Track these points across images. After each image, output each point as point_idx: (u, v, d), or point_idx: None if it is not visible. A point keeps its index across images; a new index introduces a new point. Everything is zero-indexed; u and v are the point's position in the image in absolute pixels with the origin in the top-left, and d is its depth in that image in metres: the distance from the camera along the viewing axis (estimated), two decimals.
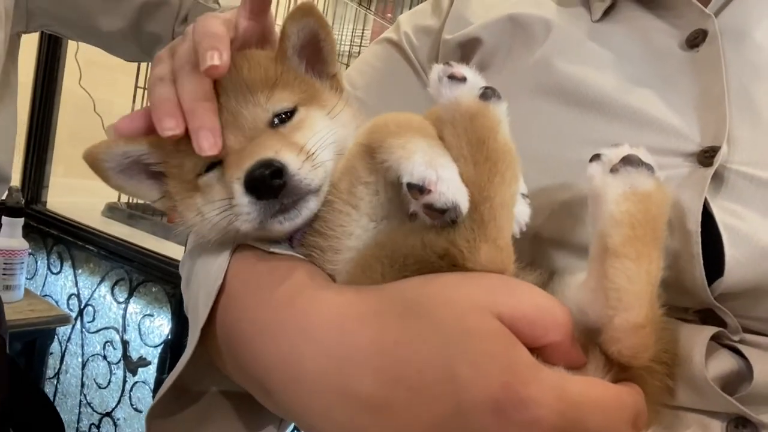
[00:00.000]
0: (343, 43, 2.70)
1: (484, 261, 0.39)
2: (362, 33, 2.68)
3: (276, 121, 0.49)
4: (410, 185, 0.38)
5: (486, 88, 0.42)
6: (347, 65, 2.56)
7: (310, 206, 0.45)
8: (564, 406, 0.34)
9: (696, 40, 0.52)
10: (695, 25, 0.53)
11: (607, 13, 0.58)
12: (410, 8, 2.57)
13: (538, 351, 0.38)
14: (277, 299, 0.43)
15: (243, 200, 0.44)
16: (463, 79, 0.42)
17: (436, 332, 0.36)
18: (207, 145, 0.47)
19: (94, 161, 0.52)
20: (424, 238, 0.40)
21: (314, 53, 0.55)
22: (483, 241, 0.39)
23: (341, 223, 0.44)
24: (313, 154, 0.46)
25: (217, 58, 0.48)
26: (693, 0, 0.53)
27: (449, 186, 0.38)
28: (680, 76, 0.52)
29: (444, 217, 0.38)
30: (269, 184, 0.43)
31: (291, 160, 0.44)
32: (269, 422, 0.55)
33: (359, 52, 2.64)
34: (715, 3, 0.53)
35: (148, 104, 0.53)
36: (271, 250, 0.47)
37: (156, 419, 0.49)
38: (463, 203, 0.38)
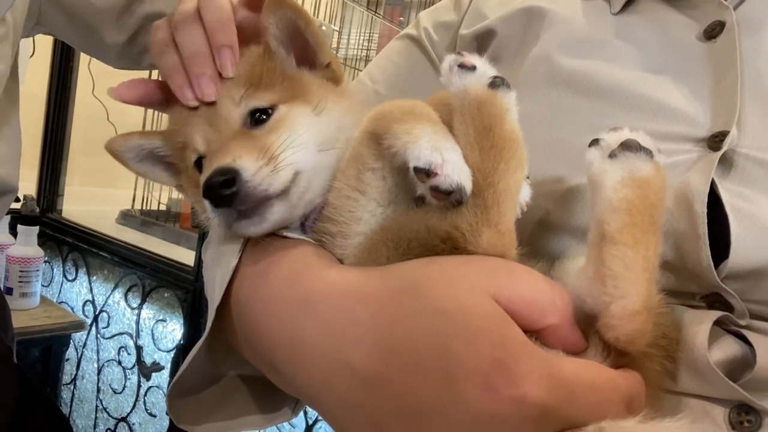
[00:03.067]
0: (351, 47, 2.71)
1: (485, 245, 0.40)
2: (370, 36, 2.69)
3: (253, 120, 0.49)
4: (417, 169, 0.39)
5: (495, 77, 0.42)
6: (356, 69, 2.57)
7: (274, 211, 0.46)
8: (555, 384, 0.34)
9: (714, 31, 0.53)
10: (713, 16, 0.53)
11: (626, 5, 0.59)
12: (418, 12, 2.59)
13: (536, 334, 0.38)
14: (284, 277, 0.44)
15: (206, 206, 0.46)
16: (473, 68, 0.43)
17: (431, 310, 0.36)
18: (209, 91, 0.49)
19: (114, 153, 0.55)
20: (428, 223, 0.41)
21: (303, 45, 0.54)
22: (485, 225, 0.40)
23: (350, 208, 0.45)
24: (276, 157, 0.46)
25: (228, 66, 0.50)
26: None
27: (454, 168, 0.39)
28: (696, 66, 0.52)
29: (450, 198, 0.39)
30: (220, 193, 0.44)
31: (247, 167, 0.44)
32: (285, 404, 0.57)
33: (368, 56, 2.65)
34: None
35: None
36: (285, 234, 0.48)
37: (176, 398, 0.51)
38: (468, 184, 0.39)
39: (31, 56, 1.95)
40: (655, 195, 0.40)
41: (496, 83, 0.42)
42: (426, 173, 0.39)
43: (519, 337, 0.36)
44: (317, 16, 2.36)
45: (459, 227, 0.40)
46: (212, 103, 0.50)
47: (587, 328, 0.41)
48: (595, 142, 0.43)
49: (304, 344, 0.40)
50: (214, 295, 0.50)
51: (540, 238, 0.51)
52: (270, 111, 0.50)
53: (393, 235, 0.43)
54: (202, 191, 0.45)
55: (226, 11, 0.52)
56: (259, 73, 0.51)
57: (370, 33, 2.68)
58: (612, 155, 0.41)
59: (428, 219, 0.41)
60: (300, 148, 0.47)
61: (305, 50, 0.54)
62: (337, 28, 2.52)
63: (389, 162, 0.43)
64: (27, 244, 1.72)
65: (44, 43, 2.02)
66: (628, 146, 0.41)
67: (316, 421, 1.47)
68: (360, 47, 2.70)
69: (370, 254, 0.44)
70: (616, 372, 0.39)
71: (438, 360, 0.34)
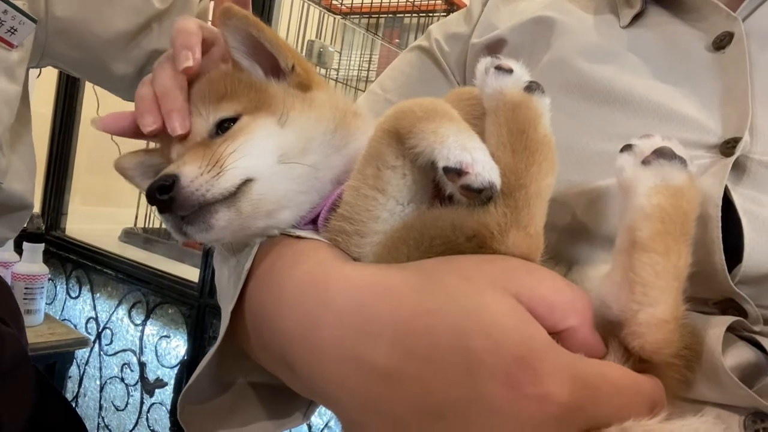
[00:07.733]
0: (352, 67, 2.76)
1: (511, 244, 0.39)
2: (370, 58, 2.74)
3: (219, 131, 0.50)
4: (447, 169, 0.39)
5: (531, 81, 0.43)
6: (356, 89, 2.61)
7: (219, 217, 0.45)
8: (579, 384, 0.34)
9: (722, 42, 0.53)
10: (722, 28, 0.54)
11: (635, 19, 0.60)
12: (416, 34, 2.64)
13: (556, 337, 0.37)
14: (299, 274, 0.44)
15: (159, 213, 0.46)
16: (510, 71, 0.43)
17: (452, 306, 0.36)
18: (178, 124, 0.51)
19: (121, 171, 0.58)
20: (455, 220, 0.41)
21: (268, 53, 0.53)
22: (514, 226, 0.39)
23: (368, 207, 0.44)
24: (222, 163, 0.45)
25: (190, 58, 0.53)
26: (719, 4, 0.55)
27: (484, 166, 0.39)
28: (706, 76, 0.53)
29: (481, 196, 0.39)
30: (157, 198, 0.44)
31: (186, 172, 0.45)
32: (296, 409, 0.56)
33: (368, 76, 2.70)
34: (745, 8, 0.54)
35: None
36: (297, 234, 0.48)
37: (188, 405, 0.50)
38: (497, 181, 0.39)
39: (38, 76, 1.98)
40: (687, 204, 0.39)
41: (531, 87, 0.42)
42: (457, 173, 0.39)
43: (542, 336, 0.35)
44: (319, 39, 2.40)
45: (488, 225, 0.39)
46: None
47: (606, 334, 0.40)
48: (627, 148, 0.42)
49: (321, 340, 0.39)
50: (228, 299, 0.50)
51: (557, 245, 0.50)
52: (234, 121, 0.50)
53: (415, 232, 0.42)
54: (146, 197, 0.45)
55: (188, 22, 0.56)
56: (225, 86, 0.52)
57: (370, 54, 2.73)
58: (645, 162, 0.40)
59: (454, 217, 0.41)
60: (256, 157, 0.47)
61: (272, 58, 0.54)
62: (338, 50, 2.57)
63: (410, 160, 0.43)
64: (32, 261, 1.72)
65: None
66: (662, 154, 0.40)
67: None
68: (360, 68, 2.75)
69: (390, 252, 0.43)
70: (640, 376, 0.38)
71: (458, 357, 0.34)
